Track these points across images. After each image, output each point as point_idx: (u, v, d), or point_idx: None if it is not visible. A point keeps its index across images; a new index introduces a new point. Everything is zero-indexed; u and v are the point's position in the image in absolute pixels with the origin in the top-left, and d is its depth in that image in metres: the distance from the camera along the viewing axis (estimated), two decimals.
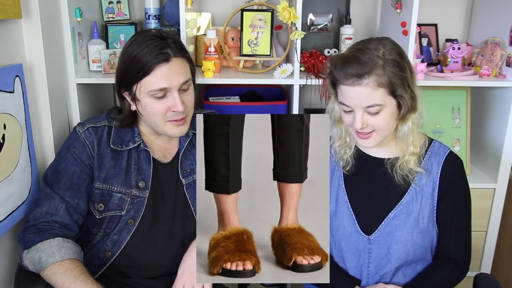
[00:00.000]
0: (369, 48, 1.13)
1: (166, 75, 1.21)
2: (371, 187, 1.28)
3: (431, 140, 1.28)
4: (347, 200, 1.29)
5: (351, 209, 1.28)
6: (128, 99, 1.27)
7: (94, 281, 1.15)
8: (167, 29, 1.90)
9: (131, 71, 1.21)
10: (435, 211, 1.25)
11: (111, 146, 1.29)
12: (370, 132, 1.18)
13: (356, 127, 1.17)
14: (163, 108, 1.23)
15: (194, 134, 1.38)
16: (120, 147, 1.30)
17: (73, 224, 1.25)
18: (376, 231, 1.25)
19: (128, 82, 1.23)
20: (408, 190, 1.24)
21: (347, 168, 1.29)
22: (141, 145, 1.31)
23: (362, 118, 1.16)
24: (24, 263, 1.20)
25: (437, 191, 1.24)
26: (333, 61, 1.17)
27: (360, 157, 1.30)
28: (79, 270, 1.15)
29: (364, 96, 1.13)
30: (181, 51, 1.25)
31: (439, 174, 1.24)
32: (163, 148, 1.36)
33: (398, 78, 1.13)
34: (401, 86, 1.13)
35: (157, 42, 1.21)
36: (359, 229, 1.26)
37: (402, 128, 1.20)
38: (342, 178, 1.31)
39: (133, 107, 1.27)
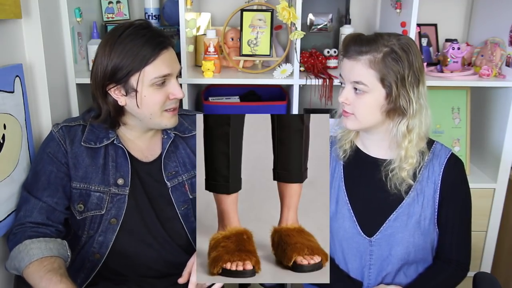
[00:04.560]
0: (383, 36, 1.17)
1: (168, 62, 1.22)
2: (371, 188, 1.27)
3: (432, 142, 1.28)
4: (348, 201, 1.29)
5: (351, 211, 1.28)
6: (117, 94, 1.23)
7: (59, 276, 1.09)
8: (166, 29, 1.90)
9: (131, 61, 1.18)
10: (436, 213, 1.25)
11: (83, 144, 1.27)
12: (350, 113, 1.21)
13: (339, 99, 1.22)
14: (163, 97, 1.23)
15: (176, 135, 1.37)
16: (93, 144, 1.28)
17: (50, 223, 1.23)
18: (377, 233, 1.25)
19: (126, 73, 1.19)
20: (410, 192, 1.24)
21: (345, 159, 1.30)
22: (115, 141, 1.29)
23: (348, 92, 1.19)
24: (11, 272, 1.20)
25: (438, 193, 1.24)
26: (347, 37, 1.22)
27: (361, 157, 1.30)
28: (46, 268, 1.11)
29: (354, 70, 1.17)
30: (170, 40, 1.27)
31: (440, 176, 1.24)
32: (143, 149, 1.34)
33: (393, 71, 1.14)
34: (393, 79, 1.14)
35: (151, 31, 1.22)
36: (360, 231, 1.26)
37: (393, 128, 1.20)
38: (343, 179, 1.31)
39: (122, 102, 1.24)
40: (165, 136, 1.36)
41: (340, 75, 1.24)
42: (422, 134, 1.21)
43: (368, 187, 1.28)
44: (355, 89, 1.18)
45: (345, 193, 1.30)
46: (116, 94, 1.23)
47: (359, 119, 1.20)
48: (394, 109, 1.18)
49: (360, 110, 1.19)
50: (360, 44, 1.16)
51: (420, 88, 1.18)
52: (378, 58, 1.14)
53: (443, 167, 1.24)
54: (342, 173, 1.32)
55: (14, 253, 1.17)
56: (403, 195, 1.23)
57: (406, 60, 1.14)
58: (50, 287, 1.07)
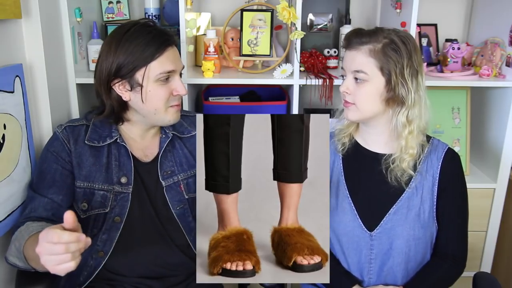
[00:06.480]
0: (383, 29, 1.22)
1: (173, 58, 1.25)
2: (371, 182, 1.29)
3: (429, 138, 1.31)
4: (348, 195, 1.30)
5: (352, 204, 1.29)
6: (122, 89, 1.24)
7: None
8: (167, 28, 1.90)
9: (137, 57, 1.20)
10: (434, 206, 1.26)
11: (86, 142, 1.28)
12: (351, 103, 1.24)
13: (340, 89, 1.25)
14: (167, 92, 1.25)
15: (174, 135, 1.38)
16: (96, 143, 1.29)
17: (55, 219, 1.22)
18: (378, 227, 1.26)
19: (132, 69, 1.21)
20: (410, 183, 1.26)
21: (344, 152, 1.33)
22: (118, 140, 1.30)
23: (349, 82, 1.23)
24: (11, 261, 1.17)
25: (437, 186, 1.26)
26: (349, 32, 1.27)
27: (361, 152, 1.32)
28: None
29: (355, 59, 1.21)
30: (175, 38, 1.29)
31: (439, 169, 1.26)
32: (144, 148, 1.35)
33: (393, 60, 1.18)
34: (392, 68, 1.18)
35: (157, 29, 1.25)
36: (361, 224, 1.27)
37: (393, 119, 1.23)
38: (342, 173, 1.32)
39: (126, 98, 1.25)
40: (163, 136, 1.36)
41: (342, 68, 1.28)
42: (422, 127, 1.24)
43: (368, 181, 1.29)
44: (356, 79, 1.22)
45: (346, 186, 1.31)
46: (121, 89, 1.24)
47: (360, 109, 1.23)
48: (394, 98, 1.21)
49: (361, 99, 1.22)
50: (361, 35, 1.21)
51: (419, 80, 1.22)
52: (378, 47, 1.19)
53: (441, 161, 1.27)
54: (342, 167, 1.33)
55: (15, 236, 1.17)
56: (404, 187, 1.25)
57: (405, 51, 1.18)
58: (33, 244, 0.98)
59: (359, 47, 1.20)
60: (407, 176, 1.24)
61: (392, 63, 1.18)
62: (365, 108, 1.23)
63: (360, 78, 1.20)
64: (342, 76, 1.28)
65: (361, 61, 1.20)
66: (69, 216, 0.92)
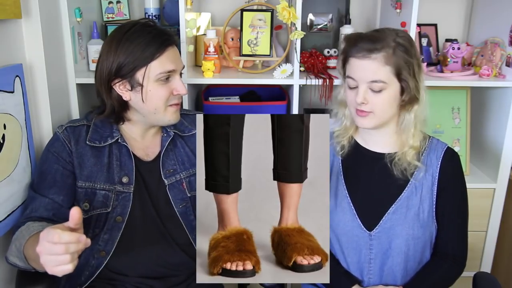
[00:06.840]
0: (384, 32, 1.20)
1: (173, 58, 1.25)
2: (370, 181, 1.29)
3: (428, 137, 1.31)
4: (347, 194, 1.30)
5: (351, 204, 1.29)
6: (122, 89, 1.24)
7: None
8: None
9: (137, 57, 1.20)
10: (434, 206, 1.26)
11: (88, 143, 1.29)
12: (368, 112, 1.21)
13: (357, 101, 1.20)
14: (167, 92, 1.25)
15: (176, 134, 1.38)
16: (98, 143, 1.29)
17: (55, 219, 1.22)
18: (377, 227, 1.26)
19: (132, 68, 1.21)
20: (408, 184, 1.26)
21: (343, 154, 1.32)
22: (119, 140, 1.30)
23: (365, 92, 1.19)
24: (11, 261, 1.17)
25: (436, 185, 1.26)
26: (349, 37, 1.23)
27: (361, 152, 1.32)
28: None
29: (370, 69, 1.17)
30: (175, 38, 1.29)
31: (438, 168, 1.26)
32: (145, 147, 1.35)
33: (405, 63, 1.17)
34: (407, 71, 1.18)
35: (157, 29, 1.25)
36: (361, 224, 1.27)
37: (405, 118, 1.24)
38: (341, 173, 1.32)
39: (127, 97, 1.25)
40: (165, 135, 1.37)
41: (348, 77, 1.22)
42: (422, 119, 1.25)
43: (367, 181, 1.30)
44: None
45: (344, 186, 1.31)
46: (121, 89, 1.25)
47: (378, 116, 1.22)
48: (408, 100, 1.21)
49: (379, 107, 1.20)
50: (370, 42, 1.17)
51: (422, 75, 1.23)
52: (390, 53, 1.17)
53: (440, 160, 1.27)
54: (341, 167, 1.33)
55: (15, 235, 1.17)
56: (409, 178, 1.25)
57: (412, 52, 1.19)
58: (34, 244, 0.98)
59: (371, 56, 1.16)
60: (412, 168, 1.25)
61: (405, 66, 1.17)
62: (384, 115, 1.22)
63: (378, 87, 1.18)
64: (353, 88, 1.22)
65: (377, 70, 1.16)
66: (75, 213, 0.92)
